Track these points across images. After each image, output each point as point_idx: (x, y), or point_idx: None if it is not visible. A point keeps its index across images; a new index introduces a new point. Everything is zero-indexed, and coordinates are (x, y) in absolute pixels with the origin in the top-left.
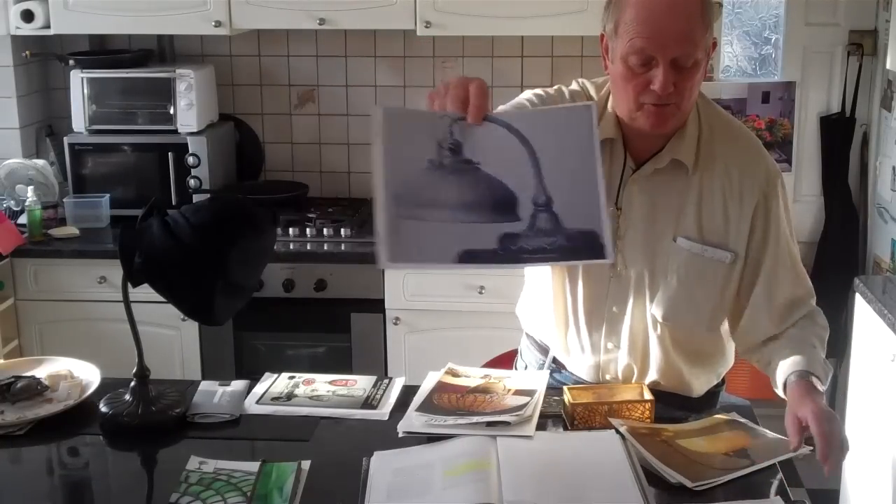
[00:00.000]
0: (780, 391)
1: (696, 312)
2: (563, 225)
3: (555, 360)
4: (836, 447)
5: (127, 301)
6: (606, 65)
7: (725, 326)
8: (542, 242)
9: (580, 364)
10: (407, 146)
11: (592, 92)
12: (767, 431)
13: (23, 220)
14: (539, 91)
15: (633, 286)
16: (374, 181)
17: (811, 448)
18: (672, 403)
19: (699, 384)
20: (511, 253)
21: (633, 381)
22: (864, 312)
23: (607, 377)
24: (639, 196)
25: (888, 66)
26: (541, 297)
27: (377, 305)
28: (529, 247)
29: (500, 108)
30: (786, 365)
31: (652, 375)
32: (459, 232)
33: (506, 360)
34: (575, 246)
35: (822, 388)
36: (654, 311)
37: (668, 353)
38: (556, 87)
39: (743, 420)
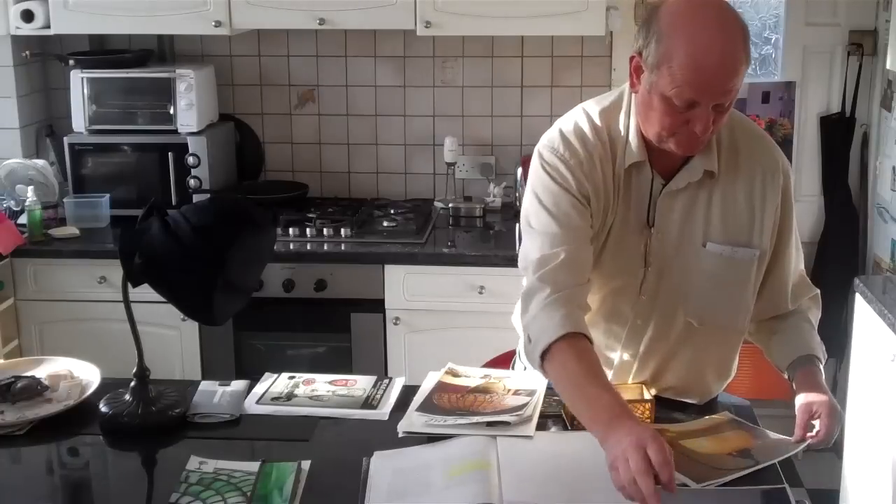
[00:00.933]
0: (781, 368)
1: (731, 312)
2: None
3: None
4: (828, 441)
5: (127, 301)
6: (635, 84)
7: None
8: None
9: None
10: None
11: (606, 120)
12: (768, 431)
13: (23, 220)
14: (568, 177)
15: (661, 297)
16: None
17: (806, 443)
18: (674, 407)
19: (713, 388)
20: None
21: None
22: (864, 312)
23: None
24: (670, 210)
25: (888, 66)
26: None
27: (377, 305)
28: None
29: (547, 219)
30: (792, 345)
31: (664, 385)
32: None
33: (506, 360)
34: None
35: (822, 378)
36: (691, 317)
37: (692, 359)
38: (565, 144)
39: (743, 420)
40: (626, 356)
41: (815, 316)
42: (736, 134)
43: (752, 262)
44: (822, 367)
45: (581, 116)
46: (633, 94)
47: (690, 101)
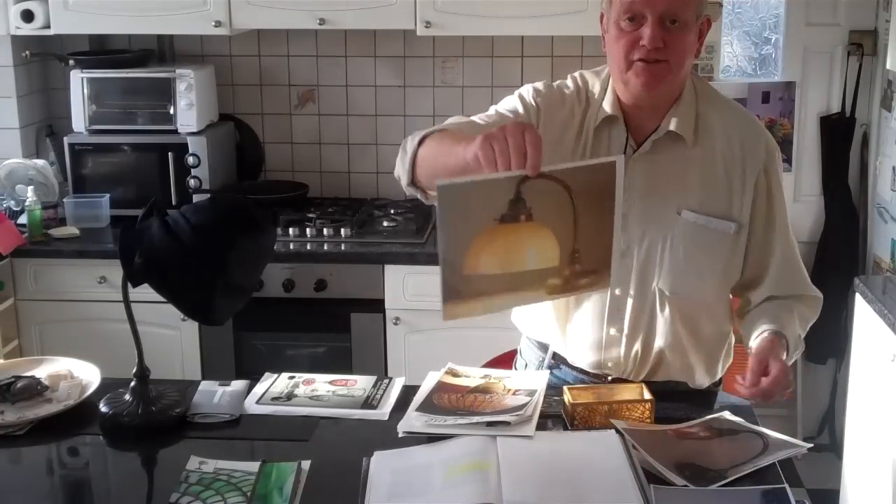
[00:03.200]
0: (747, 343)
1: (703, 284)
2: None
3: (554, 356)
4: (764, 399)
5: (127, 301)
6: (604, 41)
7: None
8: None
9: (582, 356)
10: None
11: (591, 78)
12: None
13: (23, 220)
14: (529, 91)
15: (637, 265)
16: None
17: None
18: (672, 399)
19: (701, 372)
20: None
21: (635, 369)
22: (864, 312)
23: (609, 365)
24: (641, 175)
25: (888, 66)
26: None
27: (377, 305)
28: None
29: (497, 107)
30: (764, 321)
31: (654, 363)
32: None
33: (506, 360)
34: None
35: (784, 355)
36: (662, 285)
37: (673, 333)
38: (545, 82)
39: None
40: (612, 331)
41: (805, 314)
42: (716, 106)
43: (727, 235)
44: (785, 353)
45: (569, 77)
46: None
47: (633, 9)
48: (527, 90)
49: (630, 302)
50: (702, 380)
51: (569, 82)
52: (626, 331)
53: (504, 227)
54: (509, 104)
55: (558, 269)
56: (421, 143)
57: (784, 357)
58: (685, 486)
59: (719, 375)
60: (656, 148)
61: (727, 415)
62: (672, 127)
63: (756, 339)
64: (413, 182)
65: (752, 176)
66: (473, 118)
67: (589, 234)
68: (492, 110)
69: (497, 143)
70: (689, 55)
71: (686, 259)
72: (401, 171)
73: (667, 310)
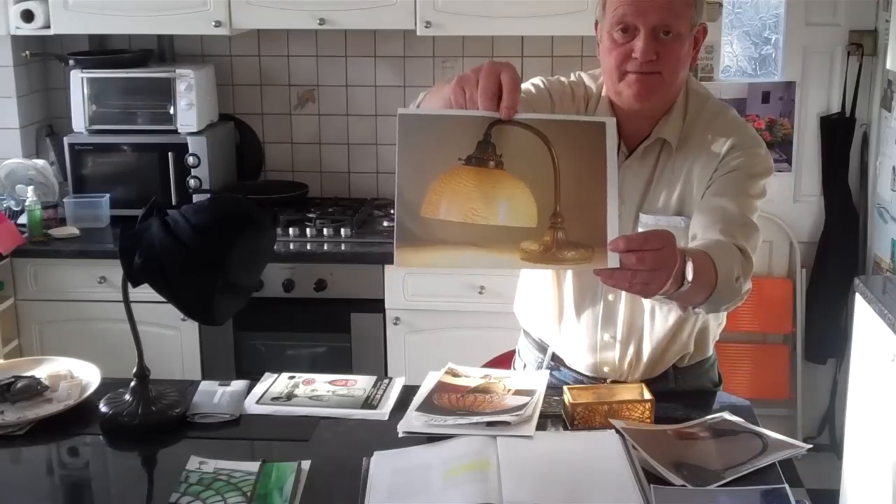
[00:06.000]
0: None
1: None
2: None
3: (553, 357)
4: (626, 246)
5: (127, 301)
6: (598, 49)
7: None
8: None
9: (578, 358)
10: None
11: (588, 82)
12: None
13: (23, 220)
14: (542, 79)
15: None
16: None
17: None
18: (672, 399)
19: (694, 353)
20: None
21: (631, 373)
22: (864, 312)
23: (605, 370)
24: (632, 181)
25: (888, 66)
26: (536, 291)
27: (377, 305)
28: None
29: None
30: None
31: (649, 365)
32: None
33: (506, 360)
34: None
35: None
36: None
37: (665, 334)
38: (557, 77)
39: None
40: (606, 336)
41: (740, 258)
42: (705, 118)
43: (678, 229)
44: (713, 265)
45: (572, 75)
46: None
47: (625, 21)
48: (538, 80)
49: (622, 308)
50: (695, 358)
51: (574, 79)
52: (619, 336)
53: (469, 170)
54: (524, 86)
55: (536, 231)
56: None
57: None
58: (683, 486)
59: (711, 349)
60: (646, 153)
61: (727, 415)
62: (661, 134)
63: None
64: None
65: (708, 169)
66: None
67: (575, 199)
68: None
69: (468, 86)
70: (683, 66)
71: None
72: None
73: (657, 313)
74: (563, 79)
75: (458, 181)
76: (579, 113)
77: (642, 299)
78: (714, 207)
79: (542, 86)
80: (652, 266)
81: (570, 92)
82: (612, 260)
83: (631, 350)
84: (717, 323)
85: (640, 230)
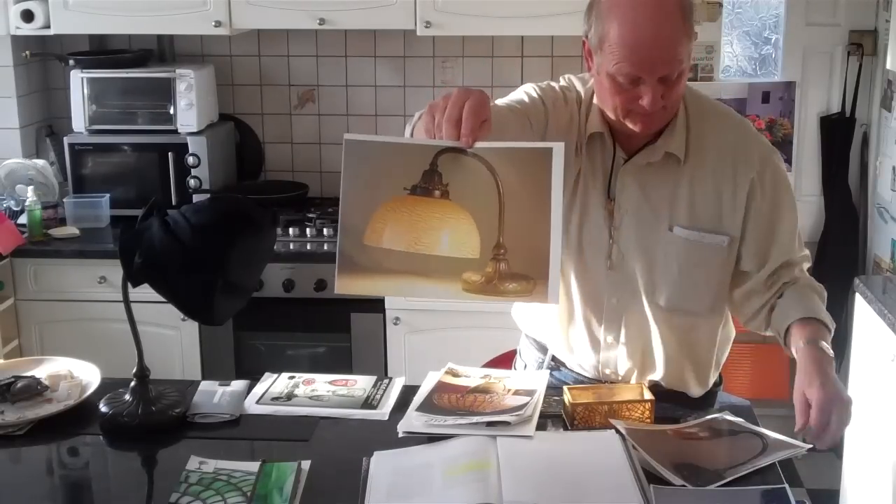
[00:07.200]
0: (780, 333)
1: (699, 298)
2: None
3: (554, 359)
4: (831, 436)
5: (127, 301)
6: (590, 67)
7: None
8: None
9: (581, 361)
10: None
11: (579, 86)
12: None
13: (23, 220)
14: (534, 87)
15: (631, 278)
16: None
17: (811, 446)
18: (671, 400)
19: (697, 383)
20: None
21: (634, 377)
22: (864, 312)
23: (607, 372)
24: (631, 187)
25: (888, 66)
26: None
27: (377, 305)
28: None
29: (498, 101)
30: (794, 308)
31: (652, 371)
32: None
33: (506, 360)
34: None
35: (829, 339)
36: (658, 299)
37: (669, 345)
38: (547, 82)
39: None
40: (609, 339)
41: (823, 295)
42: (708, 120)
43: (720, 248)
44: (828, 335)
45: (562, 79)
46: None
47: (632, 76)
48: (530, 87)
49: (626, 313)
50: (698, 390)
51: (566, 84)
52: (622, 339)
53: (414, 200)
54: (516, 96)
55: (478, 262)
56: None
57: (828, 369)
58: (683, 486)
59: (714, 381)
60: (648, 164)
61: (727, 415)
62: (669, 149)
63: (795, 351)
64: None
65: (742, 190)
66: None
67: (519, 231)
68: (508, 98)
69: (437, 113)
70: (684, 88)
71: (681, 274)
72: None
73: (663, 322)
74: (553, 84)
75: (401, 210)
76: (573, 118)
77: (646, 305)
78: (780, 242)
79: (535, 94)
80: (842, 427)
81: (563, 96)
82: (553, 294)
83: (635, 355)
84: (717, 368)
85: (680, 245)
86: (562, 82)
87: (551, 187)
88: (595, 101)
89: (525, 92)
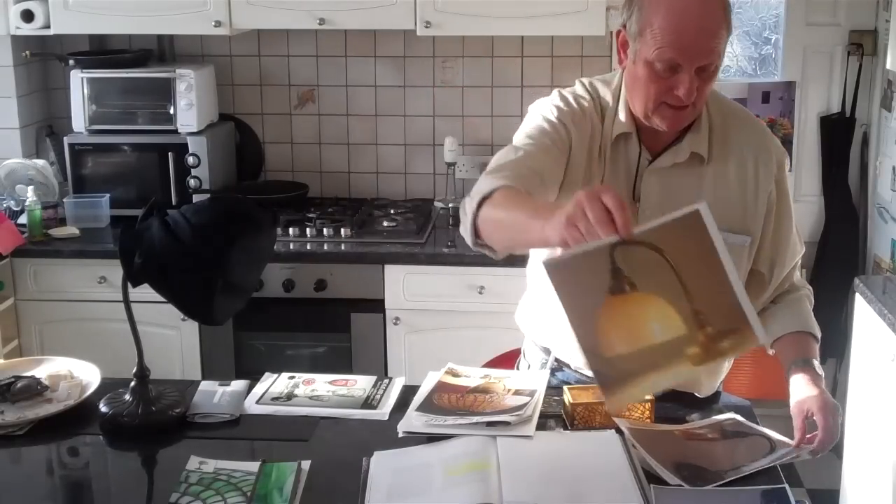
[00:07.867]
0: (775, 336)
1: None
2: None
3: (557, 360)
4: (831, 440)
5: (127, 301)
6: (622, 59)
7: None
8: None
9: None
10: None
11: (601, 89)
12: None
13: (23, 220)
14: (551, 108)
15: None
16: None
17: (811, 448)
18: (676, 400)
19: (708, 381)
20: None
21: None
22: (864, 312)
23: None
24: (656, 187)
25: (888, 66)
26: (547, 300)
27: (377, 305)
28: None
29: (523, 131)
30: (788, 319)
31: None
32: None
33: (506, 361)
34: None
35: (817, 349)
36: None
37: None
38: (561, 97)
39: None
40: None
41: (811, 298)
42: (729, 121)
43: (743, 248)
44: (816, 348)
45: (578, 84)
46: (623, 71)
47: (672, 62)
48: (549, 110)
49: None
50: (708, 389)
51: (582, 92)
52: None
53: (617, 300)
54: (540, 129)
55: (689, 336)
56: (481, 204)
57: (820, 383)
58: (679, 485)
59: (720, 381)
60: (674, 164)
61: (737, 417)
62: (695, 149)
63: (790, 373)
64: (478, 241)
65: (764, 192)
66: (520, 152)
67: (705, 291)
68: (524, 135)
69: (581, 222)
70: (712, 87)
71: None
72: (463, 231)
73: None
74: (567, 94)
75: (614, 315)
76: (594, 127)
77: None
78: (791, 243)
79: (553, 119)
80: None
81: (580, 109)
82: (761, 335)
83: None
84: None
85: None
86: (577, 89)
87: (712, 241)
88: (622, 98)
89: (543, 117)
